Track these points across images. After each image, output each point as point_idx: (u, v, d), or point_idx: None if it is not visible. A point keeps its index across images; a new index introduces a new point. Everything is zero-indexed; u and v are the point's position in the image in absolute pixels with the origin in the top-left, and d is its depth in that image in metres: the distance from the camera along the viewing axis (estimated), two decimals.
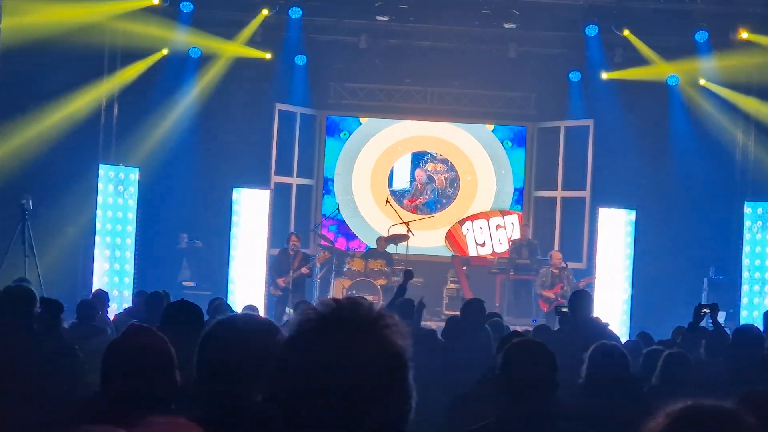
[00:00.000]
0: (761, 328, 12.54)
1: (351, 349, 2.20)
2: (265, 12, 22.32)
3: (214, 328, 3.28)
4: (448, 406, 6.98)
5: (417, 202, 24.77)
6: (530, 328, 12.33)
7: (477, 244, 24.44)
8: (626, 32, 22.34)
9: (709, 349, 9.76)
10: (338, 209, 24.03)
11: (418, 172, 24.89)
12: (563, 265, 20.95)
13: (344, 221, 24.66)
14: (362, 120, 25.00)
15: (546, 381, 5.38)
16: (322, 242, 23.06)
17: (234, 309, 14.39)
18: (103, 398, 4.17)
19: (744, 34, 21.74)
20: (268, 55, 23.34)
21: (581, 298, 11.03)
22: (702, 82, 23.10)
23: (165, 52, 22.80)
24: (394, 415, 2.25)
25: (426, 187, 24.90)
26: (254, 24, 22.53)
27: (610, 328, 13.18)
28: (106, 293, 14.83)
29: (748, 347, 8.88)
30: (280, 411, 2.23)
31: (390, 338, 2.25)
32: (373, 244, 22.75)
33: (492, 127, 24.94)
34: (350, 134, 24.96)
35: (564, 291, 20.10)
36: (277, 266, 20.70)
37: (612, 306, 21.07)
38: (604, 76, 23.39)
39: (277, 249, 21.38)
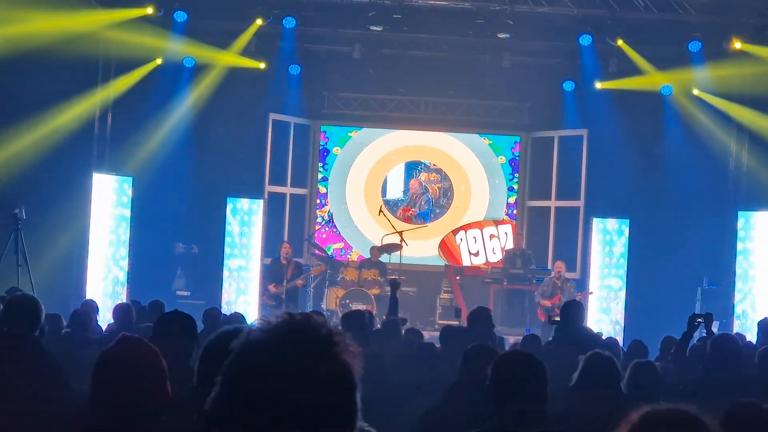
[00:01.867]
0: (755, 337, 12.62)
1: (298, 363, 2.18)
2: (259, 21, 22.33)
3: (218, 337, 3.27)
4: (417, 421, 6.96)
5: (411, 212, 24.77)
6: (520, 338, 12.39)
7: (470, 253, 24.41)
8: (620, 42, 22.38)
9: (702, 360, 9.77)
10: (331, 220, 24.13)
11: (412, 182, 24.89)
12: (565, 275, 20.97)
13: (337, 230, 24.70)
14: (351, 134, 25.00)
15: (536, 391, 5.39)
16: (316, 252, 23.07)
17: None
18: (91, 410, 4.16)
19: (737, 44, 21.82)
20: (262, 65, 23.38)
21: (572, 309, 11.03)
22: (696, 92, 23.15)
23: (159, 61, 22.84)
24: None
25: (421, 198, 24.90)
26: (248, 33, 22.55)
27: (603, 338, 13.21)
28: (95, 303, 14.76)
29: (724, 357, 8.88)
30: (223, 421, 2.23)
31: (339, 356, 2.23)
32: (367, 254, 22.75)
33: (491, 141, 24.96)
34: (340, 148, 24.98)
35: (561, 302, 20.10)
36: (270, 275, 20.71)
37: (606, 316, 21.09)
38: (598, 85, 23.44)
39: (271, 258, 21.41)
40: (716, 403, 4.72)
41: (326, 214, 24.84)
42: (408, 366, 9.61)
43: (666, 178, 22.96)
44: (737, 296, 20.45)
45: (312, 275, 21.73)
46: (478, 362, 6.87)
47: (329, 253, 23.69)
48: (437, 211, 24.92)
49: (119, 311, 12.75)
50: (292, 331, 2.24)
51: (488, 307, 11.25)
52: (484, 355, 7.01)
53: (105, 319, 16.03)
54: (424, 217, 24.79)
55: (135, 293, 19.10)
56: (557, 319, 11.34)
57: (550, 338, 12.13)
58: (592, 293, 21.42)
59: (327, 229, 24.63)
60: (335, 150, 24.95)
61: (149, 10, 21.60)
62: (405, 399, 8.11)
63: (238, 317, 12.97)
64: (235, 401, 2.20)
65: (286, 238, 22.87)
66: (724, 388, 7.54)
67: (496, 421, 5.40)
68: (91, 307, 13.69)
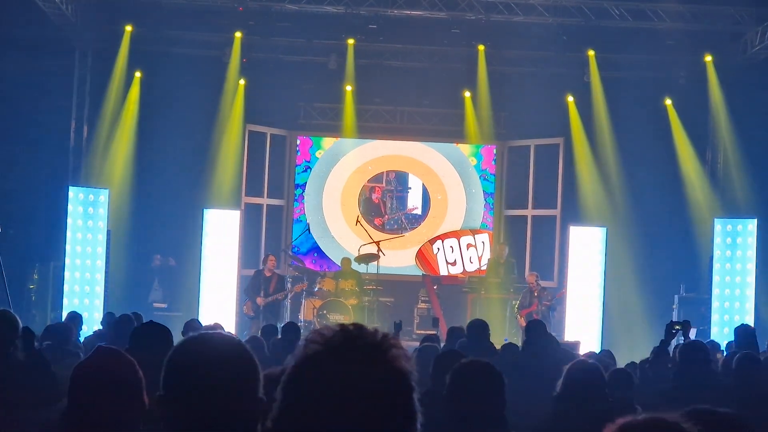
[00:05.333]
0: (735, 342, 12.67)
1: (358, 373, 2.20)
2: (238, 35, 22.37)
3: (184, 344, 3.24)
4: None
5: (386, 218, 24.77)
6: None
7: (448, 263, 24.42)
8: (590, 52, 22.53)
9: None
10: (308, 229, 24.00)
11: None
12: (539, 285, 20.92)
13: (316, 242, 24.62)
14: (321, 150, 24.97)
15: (494, 400, 5.40)
16: (293, 262, 23.02)
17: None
18: (68, 422, 4.13)
19: (708, 58, 22.08)
20: (242, 81, 23.40)
21: (536, 326, 11.16)
22: (669, 100, 23.24)
23: (138, 74, 22.83)
24: None
25: (393, 207, 24.93)
26: (234, 50, 22.63)
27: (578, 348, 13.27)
28: (80, 315, 14.71)
29: (693, 364, 8.92)
30: None
31: (396, 361, 2.25)
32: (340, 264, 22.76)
33: (474, 151, 24.97)
34: (313, 164, 24.92)
35: (539, 308, 20.19)
36: (252, 287, 20.59)
37: (583, 324, 21.11)
38: (573, 95, 23.56)
39: (248, 269, 21.34)
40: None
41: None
42: None
43: (642, 186, 22.99)
44: (714, 303, 20.51)
45: (295, 291, 21.52)
46: (448, 369, 6.88)
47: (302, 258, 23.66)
48: (414, 220, 24.91)
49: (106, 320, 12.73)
50: (347, 341, 2.26)
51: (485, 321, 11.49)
52: (455, 361, 7.01)
53: (83, 331, 15.94)
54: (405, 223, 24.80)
55: (112, 305, 19.00)
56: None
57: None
58: (564, 291, 21.34)
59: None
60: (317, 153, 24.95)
61: (128, 28, 21.70)
62: None
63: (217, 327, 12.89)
64: (298, 415, 2.23)
65: (263, 250, 22.85)
66: (694, 394, 7.56)
67: (452, 430, 5.39)
68: (74, 321, 13.62)
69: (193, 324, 12.41)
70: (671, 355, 10.43)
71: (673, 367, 9.53)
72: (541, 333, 10.97)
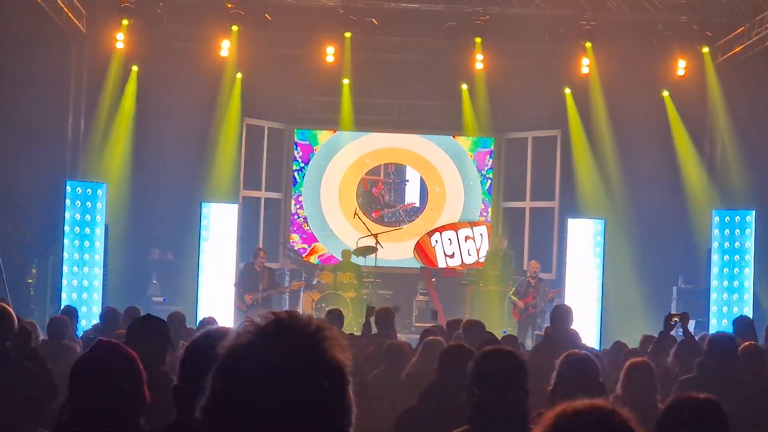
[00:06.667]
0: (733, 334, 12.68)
1: (288, 362, 2.15)
2: (235, 28, 22.33)
3: (201, 337, 3.24)
4: (394, 422, 6.96)
5: (385, 212, 24.75)
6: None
7: (446, 255, 24.42)
8: (588, 44, 22.47)
9: (679, 358, 9.79)
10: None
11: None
12: (539, 275, 20.91)
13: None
14: (318, 145, 24.96)
15: (518, 389, 5.35)
16: (291, 255, 23.01)
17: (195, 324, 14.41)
18: (68, 416, 4.13)
19: (705, 49, 22.06)
20: (239, 75, 23.38)
21: (561, 312, 11.14)
22: (667, 92, 23.23)
23: (135, 68, 22.79)
24: (332, 430, 2.20)
25: (392, 200, 24.93)
26: (231, 42, 22.55)
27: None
28: (75, 309, 14.67)
29: (721, 357, 8.87)
30: (215, 426, 2.20)
31: (329, 352, 2.19)
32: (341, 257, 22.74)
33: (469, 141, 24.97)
34: (310, 160, 24.90)
35: (535, 301, 20.16)
36: (243, 282, 20.51)
37: (582, 316, 21.09)
38: (570, 87, 23.55)
39: (243, 263, 21.30)
40: None
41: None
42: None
43: (640, 178, 22.99)
44: (713, 295, 20.49)
45: (292, 289, 21.49)
46: (454, 362, 6.86)
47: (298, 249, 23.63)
48: (411, 213, 24.90)
49: (104, 315, 12.72)
50: (279, 330, 2.20)
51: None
52: (460, 355, 7.00)
53: (82, 325, 15.95)
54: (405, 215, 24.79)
55: (110, 300, 19.00)
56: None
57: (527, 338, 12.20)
58: (560, 291, 21.30)
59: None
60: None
61: (125, 22, 21.66)
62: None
63: (211, 321, 12.86)
64: (226, 405, 2.17)
65: (261, 243, 22.82)
66: (719, 386, 7.52)
67: (477, 420, 5.35)
68: (70, 315, 13.59)
69: (176, 316, 12.41)
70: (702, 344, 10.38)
71: (697, 356, 9.48)
72: (564, 321, 11.04)
